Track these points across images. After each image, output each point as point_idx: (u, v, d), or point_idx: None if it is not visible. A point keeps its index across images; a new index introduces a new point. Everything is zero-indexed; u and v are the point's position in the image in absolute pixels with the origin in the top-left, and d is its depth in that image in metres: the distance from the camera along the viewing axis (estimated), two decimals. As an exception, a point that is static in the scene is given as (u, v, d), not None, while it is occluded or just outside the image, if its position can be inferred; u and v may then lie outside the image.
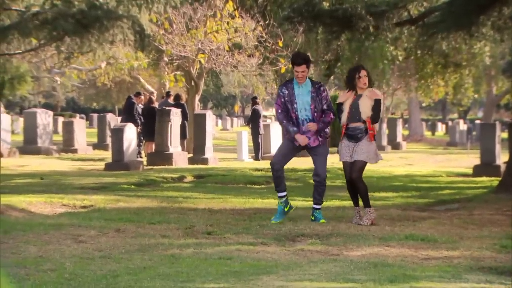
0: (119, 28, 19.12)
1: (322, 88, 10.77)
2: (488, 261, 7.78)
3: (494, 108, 61.97)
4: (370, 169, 23.93)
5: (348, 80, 10.75)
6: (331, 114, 10.76)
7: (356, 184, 10.62)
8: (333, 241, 9.09)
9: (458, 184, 19.23)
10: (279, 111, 10.80)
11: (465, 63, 28.18)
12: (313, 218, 10.85)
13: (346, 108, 10.60)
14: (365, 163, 10.62)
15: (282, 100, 10.75)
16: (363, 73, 10.59)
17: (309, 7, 18.35)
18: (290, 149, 10.89)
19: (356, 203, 10.84)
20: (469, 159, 28.74)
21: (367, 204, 10.69)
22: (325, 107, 10.72)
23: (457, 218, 11.51)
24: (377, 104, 10.58)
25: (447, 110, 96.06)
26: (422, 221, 11.15)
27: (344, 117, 10.60)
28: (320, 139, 10.78)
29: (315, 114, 10.70)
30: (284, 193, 10.91)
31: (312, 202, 11.01)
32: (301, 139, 10.71)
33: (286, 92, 10.72)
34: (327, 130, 10.90)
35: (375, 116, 10.56)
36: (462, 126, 59.89)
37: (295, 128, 10.72)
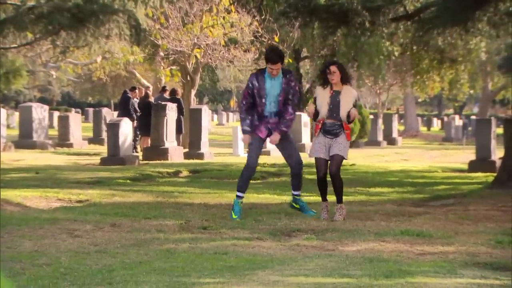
0: (115, 23, 19.10)
1: (292, 77, 10.59)
2: (484, 256, 7.79)
3: (489, 104, 62.07)
4: (366, 164, 23.98)
5: (321, 75, 10.62)
6: (290, 109, 10.55)
7: (335, 179, 10.44)
8: (328, 236, 9.10)
9: (453, 179, 19.25)
10: (244, 102, 10.62)
11: (461, 59, 28.24)
12: (297, 206, 10.79)
13: (323, 104, 10.39)
14: (343, 158, 10.44)
15: (250, 92, 10.55)
16: (332, 69, 10.39)
17: (305, 2, 18.34)
18: (260, 146, 10.81)
19: (324, 198, 10.67)
20: (465, 155, 28.78)
21: (340, 200, 10.59)
22: (290, 97, 10.54)
23: (453, 214, 11.53)
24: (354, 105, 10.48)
25: (443, 105, 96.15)
26: (417, 216, 11.16)
27: (322, 112, 10.39)
28: (282, 130, 10.62)
29: (281, 105, 10.55)
30: (244, 195, 10.86)
31: (286, 196, 10.95)
32: (245, 140, 10.73)
33: (256, 84, 10.50)
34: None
35: (349, 119, 10.42)
36: (458, 121, 59.98)
37: (247, 129, 10.60)
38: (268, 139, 10.84)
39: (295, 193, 10.90)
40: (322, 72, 10.57)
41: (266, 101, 10.51)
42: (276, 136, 10.60)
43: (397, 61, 37.01)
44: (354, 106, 10.43)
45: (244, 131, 10.67)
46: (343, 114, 10.32)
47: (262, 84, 10.47)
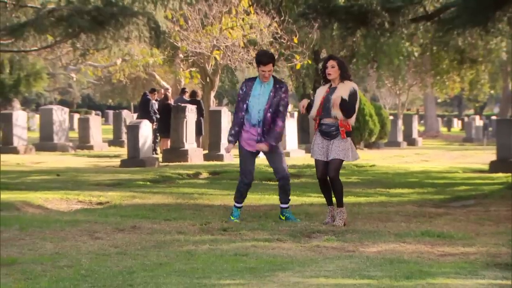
0: (135, 25, 19.17)
1: (283, 89, 10.25)
2: (505, 257, 7.75)
3: (510, 104, 61.65)
4: (386, 165, 23.92)
5: (321, 72, 10.28)
6: (279, 122, 10.20)
7: (333, 183, 10.09)
8: (348, 238, 9.08)
9: (474, 180, 19.17)
10: (235, 110, 10.41)
11: (481, 59, 28.09)
12: (283, 218, 10.46)
13: (317, 100, 10.07)
14: (341, 161, 10.08)
15: (240, 99, 10.37)
16: (330, 63, 9.99)
17: (324, 3, 18.32)
18: (251, 157, 10.49)
19: (329, 202, 10.31)
20: (485, 155, 28.64)
21: (340, 204, 10.17)
22: (280, 108, 10.22)
23: (473, 215, 11.48)
24: (350, 97, 9.91)
25: (463, 106, 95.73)
26: (438, 217, 11.12)
27: (313, 110, 10.05)
28: (271, 142, 10.29)
29: (268, 115, 10.18)
30: (242, 205, 10.67)
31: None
32: (227, 149, 10.72)
33: (245, 90, 10.29)
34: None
35: (348, 110, 9.90)
36: (478, 122, 59.67)
37: (231, 138, 10.40)
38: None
39: (282, 206, 10.57)
40: (322, 69, 10.23)
41: (254, 109, 10.23)
42: (263, 146, 10.25)
43: (417, 62, 36.88)
44: (343, 104, 9.85)
45: (228, 141, 10.52)
46: (334, 112, 9.89)
47: (249, 91, 10.24)
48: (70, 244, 8.35)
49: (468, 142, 48.79)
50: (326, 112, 9.97)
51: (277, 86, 10.25)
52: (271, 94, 10.19)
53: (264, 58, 10.20)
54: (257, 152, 10.50)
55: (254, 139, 10.30)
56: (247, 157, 10.48)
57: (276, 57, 26.55)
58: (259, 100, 10.21)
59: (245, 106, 10.26)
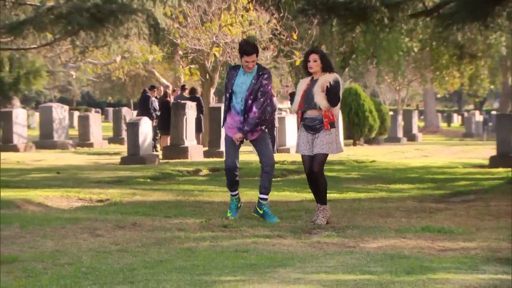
0: (134, 22, 19.15)
1: (265, 76, 10.07)
2: (505, 252, 7.76)
3: (510, 99, 61.61)
4: (386, 161, 23.93)
5: (303, 66, 10.16)
6: (254, 108, 10.02)
7: (317, 178, 9.94)
8: (349, 233, 9.09)
9: (474, 175, 19.18)
10: (228, 99, 10.24)
11: (481, 54, 28.04)
12: (261, 212, 10.20)
13: (298, 93, 9.95)
14: (326, 155, 9.92)
15: (225, 89, 10.34)
16: (311, 57, 9.88)
17: (323, 0, 18.30)
18: (235, 145, 10.31)
19: (317, 201, 10.13)
20: (485, 150, 28.64)
21: (323, 201, 10.00)
22: (258, 94, 10.04)
23: (474, 210, 11.49)
24: (333, 85, 9.74)
25: (463, 101, 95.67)
26: (438, 212, 11.13)
27: (295, 104, 9.94)
28: (259, 131, 10.21)
29: (249, 102, 10.04)
30: (237, 192, 10.46)
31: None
32: (236, 137, 10.24)
33: (228, 79, 10.24)
34: (264, 118, 10.12)
35: (332, 98, 9.74)
36: (478, 117, 59.69)
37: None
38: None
39: (262, 196, 10.30)
40: (303, 62, 10.11)
41: (237, 98, 10.13)
42: (237, 134, 10.14)
43: (417, 57, 36.81)
44: (328, 90, 9.71)
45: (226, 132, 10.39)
46: (317, 100, 9.75)
47: (232, 80, 10.14)
48: (71, 241, 8.36)
49: (468, 137, 48.80)
50: (309, 104, 9.84)
51: (260, 73, 10.11)
52: (253, 81, 10.05)
53: (247, 48, 10.03)
54: (241, 142, 10.36)
55: (235, 126, 10.20)
56: (230, 142, 10.34)
57: (275, 53, 26.79)
58: (241, 89, 10.09)
59: (228, 95, 10.19)
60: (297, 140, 10.14)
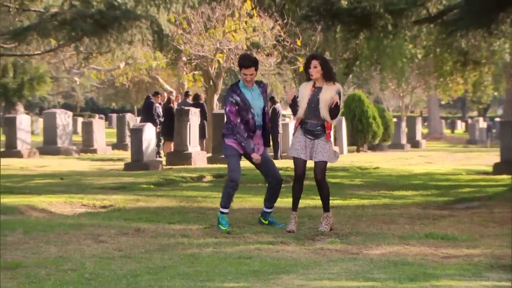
0: (138, 28, 19.18)
1: (265, 88, 10.17)
2: (509, 259, 7.74)
3: (514, 106, 61.58)
4: (389, 167, 23.91)
5: (304, 71, 10.08)
6: (267, 121, 10.13)
7: (321, 186, 9.91)
8: (352, 240, 9.08)
9: (478, 182, 19.16)
10: (237, 122, 9.99)
11: (485, 61, 28.03)
12: (266, 222, 10.26)
13: (303, 101, 9.81)
14: (327, 163, 9.89)
15: (237, 108, 9.97)
16: (312, 63, 9.79)
17: (327, 6, 18.31)
18: (239, 160, 10.30)
19: (295, 208, 10.00)
20: (489, 157, 28.62)
21: (327, 208, 9.97)
22: (266, 108, 10.12)
23: (478, 216, 11.47)
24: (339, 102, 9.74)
25: (467, 108, 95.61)
26: (442, 219, 11.11)
27: (300, 111, 9.81)
28: (264, 146, 10.23)
29: (266, 117, 10.13)
30: (228, 210, 10.31)
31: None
32: (256, 157, 10.12)
33: (239, 98, 9.97)
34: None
35: (336, 114, 9.76)
36: (482, 124, 59.63)
37: (252, 146, 10.09)
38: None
39: (267, 210, 10.37)
40: (305, 67, 10.03)
41: (255, 113, 10.03)
42: (256, 156, 10.10)
43: (420, 64, 36.82)
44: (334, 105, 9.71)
45: (250, 149, 10.11)
46: (323, 114, 9.71)
47: (243, 97, 10.00)
48: (74, 247, 8.36)
49: (471, 144, 48.76)
50: (312, 114, 9.78)
51: (262, 86, 10.16)
52: (264, 95, 10.11)
53: (246, 62, 10.00)
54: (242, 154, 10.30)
55: (252, 141, 10.13)
56: (236, 156, 10.28)
57: (279, 60, 26.80)
58: (255, 105, 10.04)
59: (245, 112, 10.00)
60: (292, 143, 10.06)
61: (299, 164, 9.92)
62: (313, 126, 9.82)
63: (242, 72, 10.02)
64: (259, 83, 10.23)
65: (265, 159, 10.26)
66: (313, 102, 9.78)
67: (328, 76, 9.84)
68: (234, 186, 10.22)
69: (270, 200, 10.36)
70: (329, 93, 9.73)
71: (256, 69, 10.04)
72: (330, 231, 9.81)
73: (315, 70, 9.81)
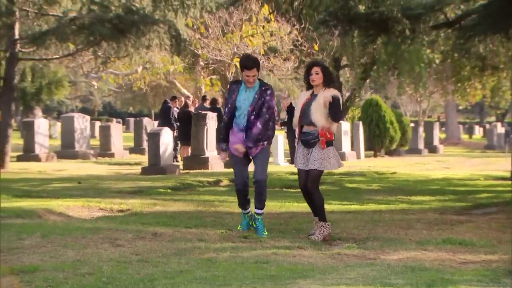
0: (156, 33, 19.26)
1: (269, 92, 9.98)
2: (527, 265, 7.71)
3: (532, 111, 61.40)
4: (407, 172, 23.84)
5: (304, 78, 10.08)
6: (258, 124, 9.92)
7: (312, 194, 9.84)
8: (369, 245, 9.06)
9: (496, 187, 19.08)
10: (229, 115, 10.11)
11: (503, 66, 27.94)
12: (254, 225, 10.19)
13: (297, 108, 9.84)
14: (320, 172, 9.77)
15: (229, 104, 10.14)
16: (313, 70, 9.78)
17: (344, 11, 18.33)
18: (242, 162, 10.25)
19: (315, 214, 10.00)
20: (507, 162, 28.44)
21: (321, 218, 9.81)
22: (263, 110, 9.94)
23: (495, 222, 11.43)
24: (333, 102, 9.63)
25: (485, 113, 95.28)
26: (459, 225, 11.07)
27: (295, 119, 9.84)
28: (262, 146, 10.09)
29: (252, 118, 9.93)
30: (249, 210, 10.34)
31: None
32: (221, 157, 10.24)
33: (230, 94, 10.14)
34: (267, 133, 10.01)
35: (335, 113, 9.65)
36: (500, 129, 59.42)
37: (222, 146, 10.19)
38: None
39: (257, 212, 10.21)
40: (305, 75, 10.01)
41: (240, 114, 10.04)
42: (239, 146, 10.04)
43: (438, 69, 36.73)
44: (332, 105, 9.62)
45: (221, 147, 10.29)
46: (314, 118, 9.66)
47: (233, 95, 10.08)
48: (92, 251, 8.38)
49: (489, 149, 48.56)
50: (305, 118, 9.76)
51: (263, 88, 10.04)
52: (256, 96, 9.98)
53: (248, 63, 9.99)
54: (248, 159, 10.28)
55: (239, 143, 10.12)
56: (237, 161, 10.28)
57: (296, 64, 26.79)
58: (244, 105, 10.02)
59: (227, 109, 10.14)
60: (295, 154, 10.09)
61: (301, 175, 9.95)
62: (306, 135, 9.78)
63: (244, 74, 10.00)
64: (263, 86, 10.08)
65: (255, 158, 10.18)
66: (307, 109, 9.76)
67: (328, 82, 9.83)
68: (239, 190, 10.30)
69: (255, 199, 10.27)
70: (323, 98, 9.70)
71: (258, 70, 10.03)
72: (348, 236, 9.80)
73: (317, 77, 9.79)
